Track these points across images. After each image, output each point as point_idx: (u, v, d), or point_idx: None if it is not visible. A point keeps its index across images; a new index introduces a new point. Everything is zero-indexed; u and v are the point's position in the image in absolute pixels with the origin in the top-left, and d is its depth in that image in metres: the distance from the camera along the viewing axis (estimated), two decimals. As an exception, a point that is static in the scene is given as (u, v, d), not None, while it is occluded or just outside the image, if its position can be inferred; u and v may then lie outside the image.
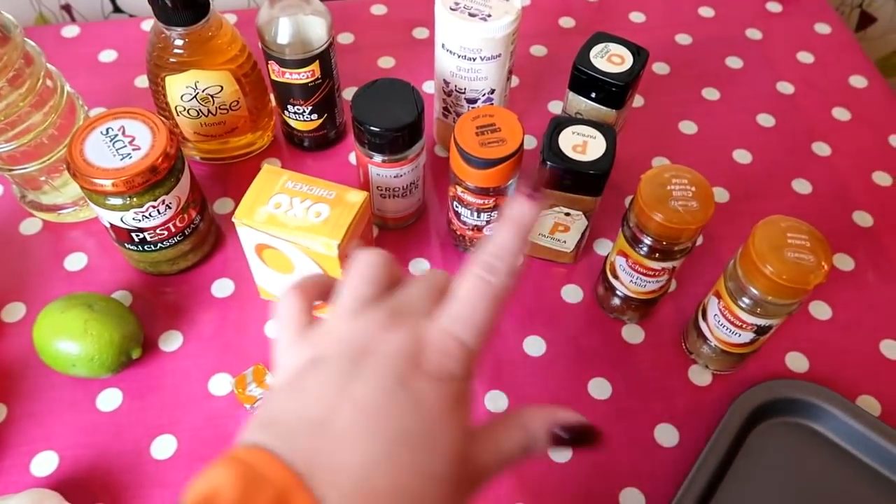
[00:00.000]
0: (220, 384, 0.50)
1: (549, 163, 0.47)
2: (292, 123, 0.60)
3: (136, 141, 0.47)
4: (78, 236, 0.57)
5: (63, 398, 0.49)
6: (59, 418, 0.48)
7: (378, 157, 0.52)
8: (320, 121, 0.60)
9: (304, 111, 0.58)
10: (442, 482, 0.25)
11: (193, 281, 0.55)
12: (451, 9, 0.52)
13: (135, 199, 0.47)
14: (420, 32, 0.73)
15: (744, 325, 0.46)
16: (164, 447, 0.47)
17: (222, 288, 0.55)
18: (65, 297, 0.48)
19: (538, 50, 0.71)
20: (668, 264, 0.47)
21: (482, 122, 0.49)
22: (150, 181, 0.47)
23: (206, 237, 0.55)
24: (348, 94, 0.66)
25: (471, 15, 0.52)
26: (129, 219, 0.48)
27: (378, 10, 0.75)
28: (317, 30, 0.54)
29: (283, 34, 0.53)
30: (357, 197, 0.47)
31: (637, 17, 0.75)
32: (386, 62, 0.70)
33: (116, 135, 0.47)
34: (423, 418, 0.25)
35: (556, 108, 0.67)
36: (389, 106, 0.50)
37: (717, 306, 0.47)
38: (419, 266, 0.56)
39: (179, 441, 0.48)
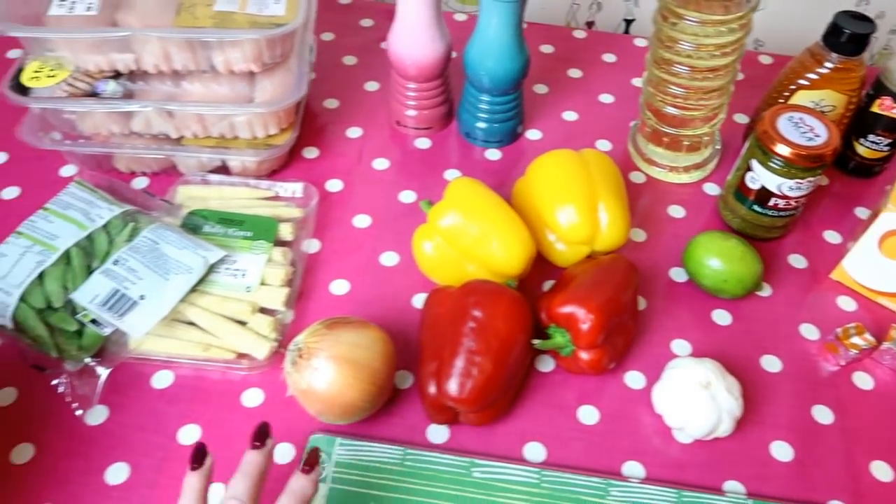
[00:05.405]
0: (809, 330, 0.63)
1: None
2: (860, 150, 0.73)
3: (815, 131, 0.61)
4: (672, 192, 0.73)
5: (690, 306, 0.64)
6: (686, 319, 0.63)
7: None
8: (888, 153, 0.72)
9: (882, 142, 0.71)
10: None
11: (772, 248, 0.69)
12: None
13: (796, 171, 0.61)
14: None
15: None
16: (770, 364, 0.60)
17: (796, 260, 0.68)
18: (720, 231, 0.64)
19: None
20: None
21: None
22: (815, 164, 0.61)
23: (794, 219, 0.68)
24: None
25: None
26: (785, 186, 0.62)
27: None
28: (931, 80, 0.66)
29: (908, 77, 0.66)
30: None
31: None
32: None
33: (798, 122, 0.62)
34: None
35: None
36: None
37: None
38: None
39: (784, 362, 0.61)
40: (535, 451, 0.55)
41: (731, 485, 0.54)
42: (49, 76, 0.60)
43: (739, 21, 0.60)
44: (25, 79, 0.60)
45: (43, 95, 0.61)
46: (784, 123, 0.62)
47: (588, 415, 0.57)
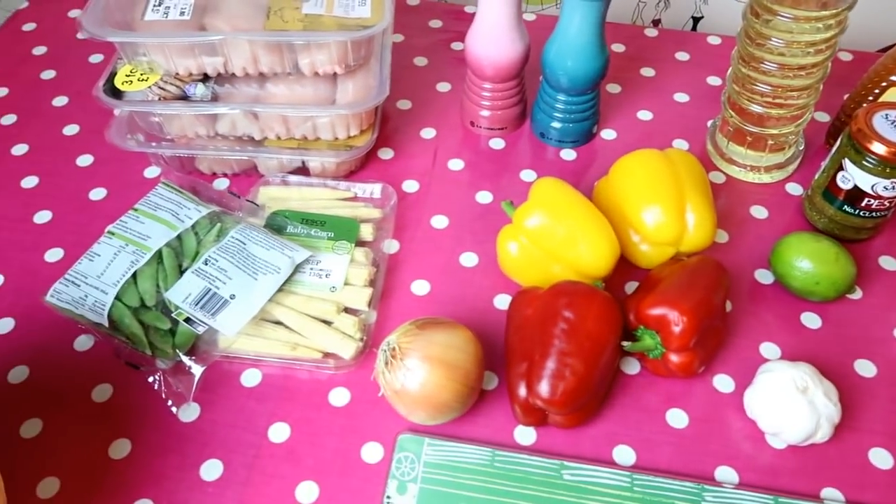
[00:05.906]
0: (906, 334, 0.61)
1: None
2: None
3: (912, 127, 0.60)
4: (753, 192, 0.72)
5: (777, 308, 0.62)
6: (774, 322, 0.62)
7: None
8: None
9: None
10: None
11: (861, 250, 0.67)
12: None
13: (893, 171, 0.59)
14: None
15: None
16: (865, 368, 0.59)
17: (887, 262, 0.66)
18: (809, 232, 0.62)
19: None
20: None
21: None
22: (915, 162, 0.59)
23: (885, 220, 0.66)
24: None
25: None
26: (879, 185, 0.61)
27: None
28: None
29: None
30: None
31: None
32: None
33: (894, 121, 0.60)
34: None
35: None
36: None
37: None
38: None
39: (878, 367, 0.59)
40: (624, 454, 0.54)
41: (829, 492, 0.52)
42: (141, 80, 0.62)
43: (836, 18, 0.58)
44: (118, 82, 0.62)
45: (135, 99, 0.63)
46: (879, 121, 0.60)
47: (677, 418, 0.56)
